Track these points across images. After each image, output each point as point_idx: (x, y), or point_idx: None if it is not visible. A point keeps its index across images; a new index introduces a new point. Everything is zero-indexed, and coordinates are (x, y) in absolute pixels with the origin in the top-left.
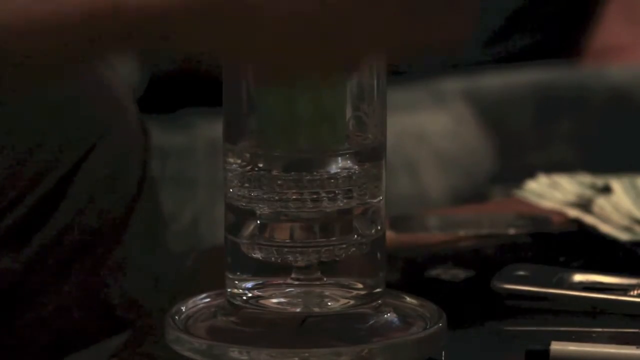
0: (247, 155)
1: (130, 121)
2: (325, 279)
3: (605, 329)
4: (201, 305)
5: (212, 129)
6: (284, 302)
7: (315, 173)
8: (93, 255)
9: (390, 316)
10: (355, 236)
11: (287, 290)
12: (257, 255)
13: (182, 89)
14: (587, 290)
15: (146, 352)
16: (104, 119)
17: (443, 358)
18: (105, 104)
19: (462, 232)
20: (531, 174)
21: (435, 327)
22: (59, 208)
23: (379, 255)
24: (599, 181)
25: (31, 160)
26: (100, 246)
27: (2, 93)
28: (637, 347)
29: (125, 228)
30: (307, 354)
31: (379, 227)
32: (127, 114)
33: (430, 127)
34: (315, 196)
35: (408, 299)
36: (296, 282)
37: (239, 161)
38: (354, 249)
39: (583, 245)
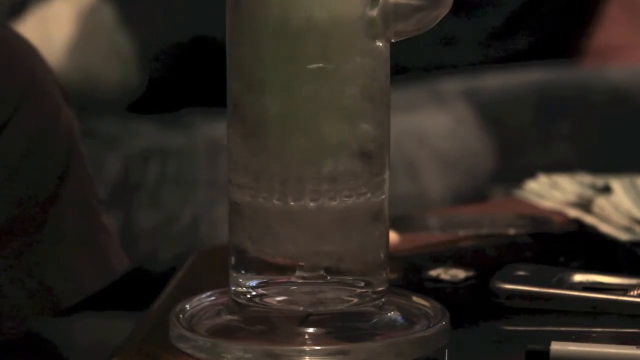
0: (249, 154)
1: (47, 92)
2: (328, 277)
3: (605, 329)
4: (205, 303)
5: (212, 128)
6: (288, 300)
7: (316, 172)
8: (22, 232)
9: (393, 314)
10: (358, 235)
11: (291, 288)
12: (261, 254)
13: (182, 89)
14: (587, 290)
15: (147, 352)
16: (18, 92)
17: (444, 357)
18: (18, 76)
19: (462, 232)
20: (531, 174)
21: (439, 325)
22: None
23: (382, 254)
24: (599, 181)
25: None
26: (29, 224)
27: None
28: (637, 347)
29: (54, 203)
30: (310, 352)
31: (381, 226)
32: (42, 84)
33: (430, 127)
34: (316, 195)
35: (412, 297)
36: (300, 281)
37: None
38: (356, 248)
39: (583, 245)
